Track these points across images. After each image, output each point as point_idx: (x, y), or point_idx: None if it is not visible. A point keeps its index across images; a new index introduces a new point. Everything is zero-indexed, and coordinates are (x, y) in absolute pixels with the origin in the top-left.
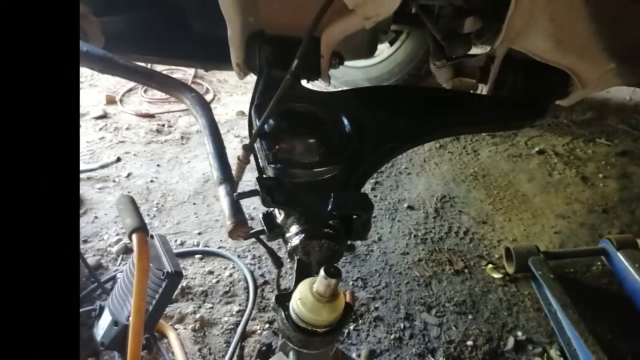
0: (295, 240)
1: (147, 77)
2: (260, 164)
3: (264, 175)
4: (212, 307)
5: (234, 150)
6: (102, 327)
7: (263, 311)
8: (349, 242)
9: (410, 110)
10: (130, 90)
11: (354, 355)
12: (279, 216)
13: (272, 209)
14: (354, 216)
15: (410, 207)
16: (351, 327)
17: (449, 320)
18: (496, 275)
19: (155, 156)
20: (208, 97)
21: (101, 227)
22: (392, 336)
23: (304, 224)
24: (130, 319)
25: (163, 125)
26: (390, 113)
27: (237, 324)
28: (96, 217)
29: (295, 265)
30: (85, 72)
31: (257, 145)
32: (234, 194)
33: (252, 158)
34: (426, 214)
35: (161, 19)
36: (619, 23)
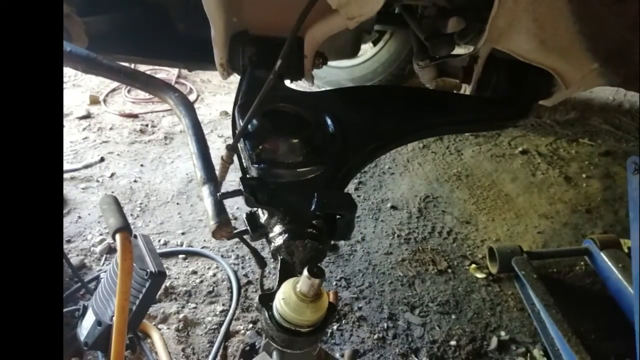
0: (279, 240)
1: (130, 77)
2: (244, 164)
3: (248, 175)
4: (195, 307)
5: (217, 150)
6: (85, 327)
7: (246, 311)
8: (332, 242)
9: (394, 111)
10: (113, 90)
11: (337, 355)
12: (263, 216)
13: (255, 209)
14: (338, 216)
15: (393, 207)
16: (335, 327)
17: (432, 320)
18: (479, 275)
19: (138, 156)
20: (191, 97)
21: (85, 227)
22: (376, 336)
23: (287, 224)
24: (114, 318)
25: (146, 125)
26: (373, 113)
27: (220, 324)
28: (80, 217)
29: (279, 265)
30: (68, 72)
31: (240, 145)
32: (218, 194)
33: (235, 158)
34: (409, 214)
35: (145, 19)
36: (602, 23)
